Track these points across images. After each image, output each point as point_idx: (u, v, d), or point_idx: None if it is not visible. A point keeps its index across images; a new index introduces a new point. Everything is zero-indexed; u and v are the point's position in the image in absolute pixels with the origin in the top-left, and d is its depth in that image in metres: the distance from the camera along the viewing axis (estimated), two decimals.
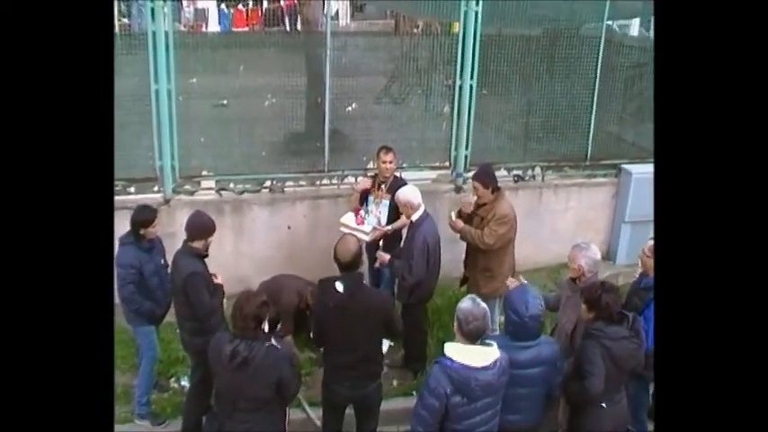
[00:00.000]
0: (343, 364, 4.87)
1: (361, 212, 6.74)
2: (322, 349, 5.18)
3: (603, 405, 4.66)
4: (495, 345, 4.14)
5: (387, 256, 6.27)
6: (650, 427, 5.77)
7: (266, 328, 4.36)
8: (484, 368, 3.98)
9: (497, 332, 6.71)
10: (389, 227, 6.63)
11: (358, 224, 6.67)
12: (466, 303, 4.12)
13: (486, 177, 6.23)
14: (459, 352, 4.01)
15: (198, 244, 5.29)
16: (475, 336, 4.04)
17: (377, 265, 6.45)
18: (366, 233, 6.54)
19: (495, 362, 4.02)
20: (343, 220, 6.80)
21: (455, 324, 4.11)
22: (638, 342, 4.66)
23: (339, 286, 4.76)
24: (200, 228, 5.33)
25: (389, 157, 6.61)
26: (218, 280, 5.44)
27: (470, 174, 7.26)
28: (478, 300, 4.18)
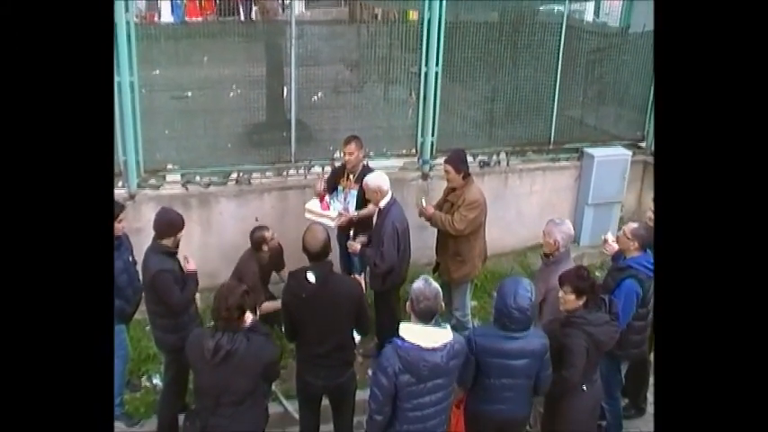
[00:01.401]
0: (317, 354, 4.87)
1: (327, 198, 6.72)
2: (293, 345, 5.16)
3: (584, 388, 4.75)
4: (448, 328, 4.25)
5: (358, 246, 6.27)
6: (623, 402, 5.95)
7: (249, 318, 4.34)
8: (433, 349, 4.05)
9: (468, 317, 6.83)
10: (356, 213, 6.62)
11: (323, 210, 6.66)
12: (418, 283, 4.20)
13: (458, 162, 6.27)
14: (412, 332, 4.10)
15: (167, 241, 5.23)
16: (426, 315, 4.12)
17: (350, 250, 6.43)
18: (332, 219, 6.54)
19: (446, 345, 4.10)
20: (308, 206, 6.78)
21: (408, 304, 4.19)
22: (616, 325, 4.76)
23: (311, 276, 4.75)
24: (168, 224, 5.26)
25: (351, 147, 6.58)
26: (191, 266, 5.37)
27: (437, 161, 7.31)
28: (431, 280, 4.25)
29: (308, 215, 6.62)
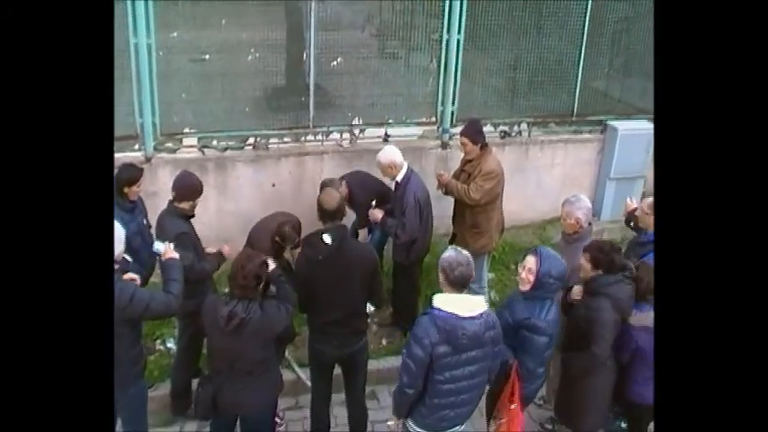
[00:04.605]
0: (330, 321, 4.83)
1: None
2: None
3: (608, 363, 4.69)
4: (482, 296, 4.25)
5: (379, 214, 6.19)
6: None
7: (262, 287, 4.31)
8: (471, 318, 3.99)
9: (485, 289, 6.76)
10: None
11: None
12: (449, 252, 4.16)
13: (473, 133, 6.18)
14: (447, 301, 4.03)
15: (185, 205, 5.19)
16: (461, 283, 4.06)
17: (372, 218, 6.34)
18: None
19: (482, 314, 4.04)
20: None
21: (441, 275, 4.11)
22: (630, 283, 4.68)
23: (327, 238, 4.69)
24: (189, 188, 5.22)
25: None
26: (226, 249, 5.31)
27: (457, 129, 7.19)
28: (460, 248, 4.22)
29: None
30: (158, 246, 4.86)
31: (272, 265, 4.46)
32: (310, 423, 5.25)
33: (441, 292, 4.12)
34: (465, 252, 4.16)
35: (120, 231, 4.34)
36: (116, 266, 4.26)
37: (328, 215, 4.74)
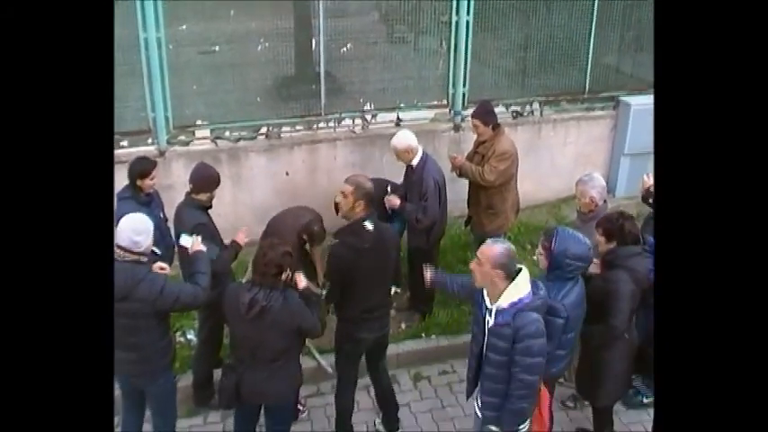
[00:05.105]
0: (371, 306, 4.85)
1: None
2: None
3: (626, 336, 4.69)
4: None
5: (397, 200, 6.17)
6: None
7: (302, 282, 4.35)
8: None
9: None
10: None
11: None
12: (499, 245, 4.04)
13: (485, 114, 6.15)
14: (523, 281, 4.01)
15: (203, 196, 5.21)
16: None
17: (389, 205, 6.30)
18: None
19: None
20: None
21: (499, 270, 3.94)
22: (648, 256, 4.67)
23: (368, 225, 4.72)
24: (207, 179, 5.25)
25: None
26: (241, 239, 5.35)
27: (468, 112, 7.17)
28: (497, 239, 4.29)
29: None
30: (185, 239, 4.92)
31: (302, 282, 4.47)
32: (336, 408, 5.25)
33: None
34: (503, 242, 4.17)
35: (148, 224, 4.40)
36: (145, 259, 4.34)
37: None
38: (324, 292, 4.81)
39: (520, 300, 3.93)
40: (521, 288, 3.95)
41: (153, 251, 4.70)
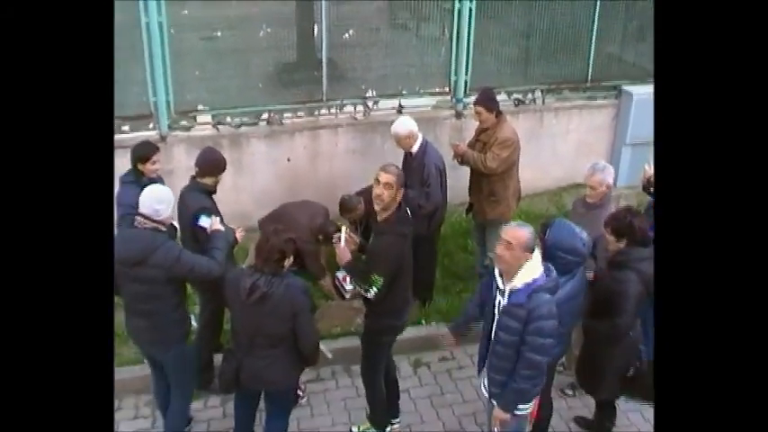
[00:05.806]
0: (407, 295, 4.87)
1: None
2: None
3: (630, 334, 4.69)
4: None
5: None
6: None
7: (287, 264, 4.33)
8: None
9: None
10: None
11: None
12: (523, 229, 4.05)
13: (488, 101, 6.14)
14: (537, 261, 4.06)
15: (208, 180, 5.21)
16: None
17: None
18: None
19: None
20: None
21: (526, 253, 4.00)
22: None
23: (407, 212, 4.76)
24: (213, 164, 5.25)
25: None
26: (239, 232, 5.34)
27: (470, 99, 7.15)
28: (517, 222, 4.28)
29: None
30: (204, 220, 4.99)
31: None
32: (373, 399, 5.18)
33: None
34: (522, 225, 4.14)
35: (170, 195, 4.56)
36: (164, 228, 4.47)
37: None
38: (373, 291, 4.55)
39: (534, 280, 3.97)
40: (534, 269, 3.99)
41: (172, 224, 4.82)
